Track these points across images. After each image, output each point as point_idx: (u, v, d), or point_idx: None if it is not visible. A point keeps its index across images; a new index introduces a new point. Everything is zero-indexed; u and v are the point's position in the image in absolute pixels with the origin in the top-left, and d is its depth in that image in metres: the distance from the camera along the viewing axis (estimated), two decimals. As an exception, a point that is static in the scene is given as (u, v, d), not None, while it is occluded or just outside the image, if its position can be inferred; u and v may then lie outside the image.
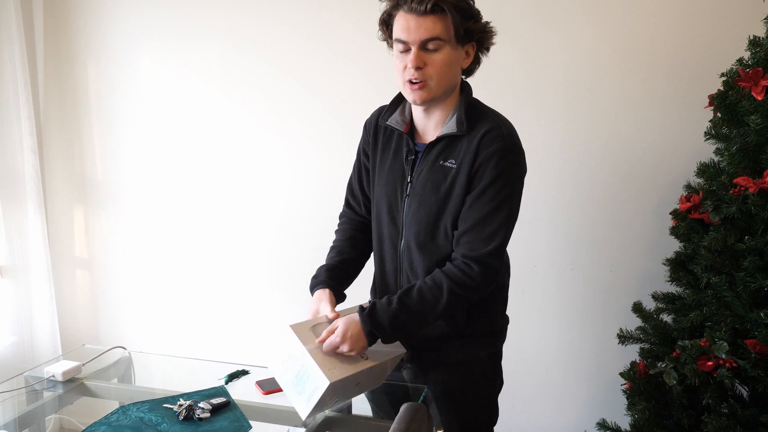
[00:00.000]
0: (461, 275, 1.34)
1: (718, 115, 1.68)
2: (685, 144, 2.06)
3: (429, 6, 1.26)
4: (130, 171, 2.70)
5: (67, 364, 1.60)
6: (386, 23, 1.37)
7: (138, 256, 2.75)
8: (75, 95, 2.71)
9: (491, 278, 1.37)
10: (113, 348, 1.76)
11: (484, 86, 2.18)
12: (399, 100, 1.50)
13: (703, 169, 1.70)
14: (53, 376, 1.57)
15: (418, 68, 1.31)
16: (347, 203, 1.67)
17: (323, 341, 1.30)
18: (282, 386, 1.33)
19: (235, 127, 2.53)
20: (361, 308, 1.34)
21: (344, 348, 1.29)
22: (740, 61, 1.64)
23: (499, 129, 1.36)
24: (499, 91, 2.20)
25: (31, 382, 1.59)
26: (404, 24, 1.30)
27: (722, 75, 1.65)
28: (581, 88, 2.15)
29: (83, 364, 1.64)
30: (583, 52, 2.13)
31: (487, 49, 1.42)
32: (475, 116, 1.40)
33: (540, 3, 2.14)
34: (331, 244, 1.62)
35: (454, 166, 1.38)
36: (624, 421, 1.86)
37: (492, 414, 1.60)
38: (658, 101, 2.09)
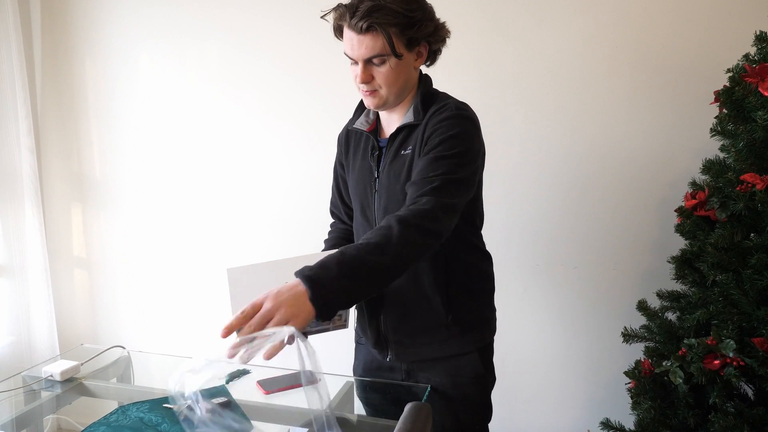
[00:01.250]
0: (410, 206, 1.23)
1: (724, 111, 1.66)
2: (689, 141, 2.05)
3: (364, 26, 1.29)
4: (129, 169, 2.68)
5: (66, 364, 1.59)
6: (338, 31, 1.40)
7: (136, 255, 2.73)
8: (73, 94, 2.69)
9: (445, 209, 1.24)
10: (112, 347, 1.74)
11: (483, 84, 2.18)
12: (363, 103, 1.53)
13: (709, 166, 1.68)
14: (51, 375, 1.55)
15: (366, 82, 1.36)
16: (332, 214, 1.75)
17: (245, 318, 1.02)
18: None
19: (233, 125, 2.52)
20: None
21: (269, 309, 1.02)
22: (746, 56, 1.62)
23: (448, 105, 1.39)
24: (498, 89, 2.19)
25: (28, 382, 1.57)
26: (348, 40, 1.34)
27: (728, 71, 1.64)
28: (584, 85, 2.13)
29: (82, 364, 1.62)
30: (585, 48, 2.12)
31: (443, 41, 1.43)
32: (430, 103, 1.43)
33: (542, -1, 2.13)
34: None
35: (410, 151, 1.41)
36: (628, 420, 1.84)
37: (485, 411, 1.58)
38: (662, 98, 2.07)
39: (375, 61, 1.33)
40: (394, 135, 1.44)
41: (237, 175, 2.55)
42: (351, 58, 1.36)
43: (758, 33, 1.60)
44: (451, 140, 1.32)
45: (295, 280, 1.05)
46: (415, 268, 1.41)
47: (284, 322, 1.00)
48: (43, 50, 2.68)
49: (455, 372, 1.49)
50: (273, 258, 1.34)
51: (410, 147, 1.41)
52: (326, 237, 1.71)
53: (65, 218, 2.80)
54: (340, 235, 1.67)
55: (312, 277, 1.05)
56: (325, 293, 1.05)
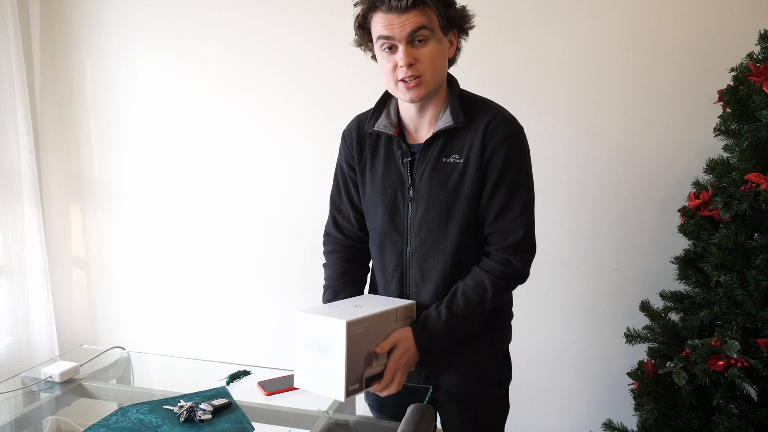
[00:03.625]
0: (502, 268, 1.35)
1: (728, 110, 1.65)
2: (693, 140, 2.04)
3: (410, 2, 1.21)
4: (127, 169, 2.67)
5: (65, 365, 1.57)
6: (362, 26, 1.32)
7: (136, 255, 2.72)
8: (71, 94, 2.68)
9: (530, 261, 1.39)
10: (111, 348, 1.73)
11: (487, 84, 2.17)
12: (382, 104, 1.45)
13: (713, 166, 1.67)
14: (50, 377, 1.54)
15: (410, 65, 1.26)
16: (334, 222, 1.57)
17: (383, 351, 1.28)
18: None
19: (232, 125, 2.51)
20: (414, 323, 1.35)
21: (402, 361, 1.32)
22: (751, 55, 1.61)
23: (500, 116, 1.35)
24: (501, 88, 2.18)
25: (27, 384, 1.56)
26: (386, 22, 1.25)
27: (732, 70, 1.63)
28: (586, 84, 2.13)
29: (81, 365, 1.61)
30: (588, 48, 2.11)
31: (467, 34, 1.38)
32: (470, 107, 1.37)
33: (544, -2, 2.12)
34: (324, 281, 1.54)
35: (460, 160, 1.35)
36: (631, 421, 1.84)
37: (505, 410, 1.58)
38: (665, 97, 2.07)
39: (418, 38, 1.24)
40: (430, 141, 1.36)
41: (236, 175, 2.54)
42: (389, 39, 1.26)
43: (762, 32, 1.59)
44: (517, 161, 1.34)
45: (412, 346, 1.33)
46: (446, 277, 1.40)
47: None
48: (41, 50, 2.67)
49: (481, 376, 1.48)
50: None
51: (455, 155, 1.35)
52: (324, 258, 1.57)
53: (64, 218, 2.79)
54: (343, 256, 1.54)
55: (429, 350, 1.34)
56: (430, 353, 1.36)
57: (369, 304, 1.34)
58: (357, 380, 1.23)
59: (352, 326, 1.19)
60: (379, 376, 1.29)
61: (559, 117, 2.16)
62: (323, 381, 1.23)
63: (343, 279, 1.51)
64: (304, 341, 1.25)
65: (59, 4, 2.62)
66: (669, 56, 2.04)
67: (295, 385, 1.28)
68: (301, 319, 1.25)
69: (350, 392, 1.21)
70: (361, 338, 1.22)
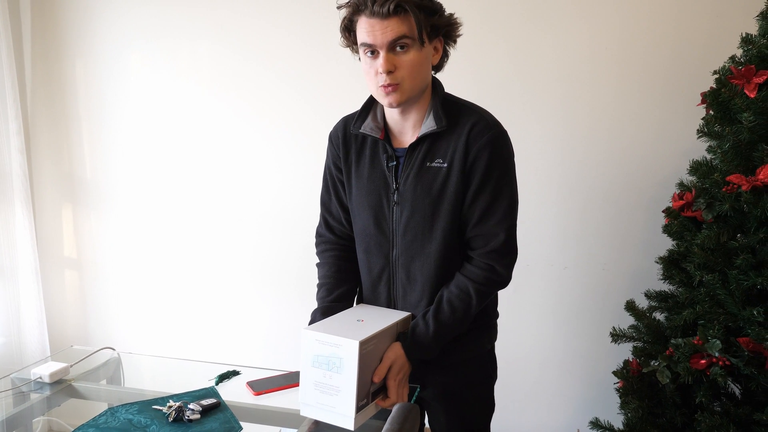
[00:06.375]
0: (485, 274, 1.37)
1: (711, 112, 1.68)
2: (677, 142, 2.06)
3: (392, 7, 1.21)
4: (119, 170, 2.68)
5: (55, 366, 1.58)
6: (348, 29, 1.33)
7: (127, 256, 2.73)
8: (63, 94, 2.68)
9: (512, 265, 1.41)
10: (102, 349, 1.74)
11: (477, 85, 2.19)
12: (368, 106, 1.46)
13: (696, 167, 1.70)
14: (40, 377, 1.55)
15: (389, 72, 1.27)
16: (325, 223, 1.59)
17: (381, 378, 1.29)
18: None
19: (224, 126, 2.52)
20: (404, 336, 1.36)
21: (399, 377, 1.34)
22: (733, 58, 1.64)
23: (483, 120, 1.35)
24: (491, 89, 2.20)
25: (17, 384, 1.57)
26: (368, 28, 1.26)
27: (715, 72, 1.65)
28: (572, 86, 2.15)
29: (71, 366, 1.62)
30: (574, 50, 2.13)
31: (454, 42, 1.38)
32: (454, 111, 1.37)
33: (532, 0, 2.13)
34: (318, 279, 1.56)
35: (444, 165, 1.35)
36: (617, 419, 1.86)
37: (491, 408, 1.59)
38: (650, 99, 2.09)
39: (399, 45, 1.25)
40: (414, 145, 1.37)
41: (227, 176, 2.55)
42: (370, 46, 1.27)
43: (744, 35, 1.62)
44: (500, 165, 1.34)
45: (406, 361, 1.35)
46: (432, 279, 1.41)
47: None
48: (33, 50, 2.67)
49: (466, 374, 1.50)
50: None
51: (440, 159, 1.35)
52: (318, 258, 1.58)
53: (56, 219, 2.79)
54: (336, 255, 1.55)
55: (420, 358, 1.37)
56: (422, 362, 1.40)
57: (369, 318, 1.35)
58: (365, 396, 1.24)
59: (363, 345, 1.19)
60: (380, 388, 1.31)
61: (545, 118, 2.18)
62: (332, 399, 1.23)
63: (338, 276, 1.52)
64: (311, 359, 1.24)
65: (50, 4, 2.62)
66: (653, 58, 2.06)
67: (300, 403, 1.26)
68: (309, 337, 1.24)
69: (359, 408, 1.22)
70: (369, 355, 1.23)
